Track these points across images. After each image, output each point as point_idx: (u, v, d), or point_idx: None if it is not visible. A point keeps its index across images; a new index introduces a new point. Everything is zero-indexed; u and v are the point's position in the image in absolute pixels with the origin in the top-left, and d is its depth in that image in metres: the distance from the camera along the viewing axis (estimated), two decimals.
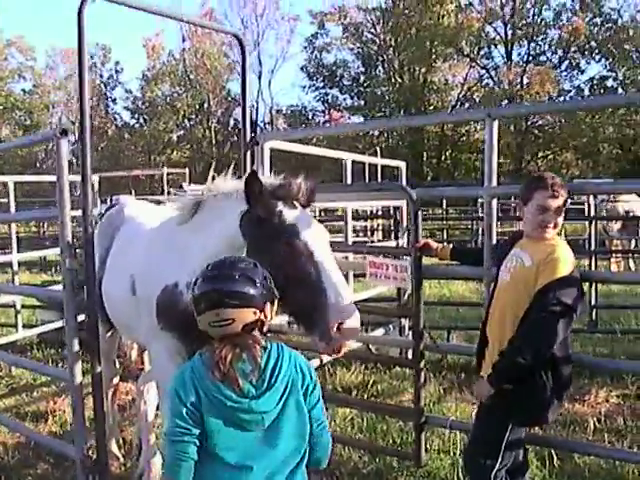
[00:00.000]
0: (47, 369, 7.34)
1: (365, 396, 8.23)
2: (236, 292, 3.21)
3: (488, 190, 5.30)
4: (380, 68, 59.90)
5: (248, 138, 6.37)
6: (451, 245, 5.65)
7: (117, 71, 65.48)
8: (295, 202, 4.23)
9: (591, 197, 14.10)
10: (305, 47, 62.17)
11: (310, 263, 3.98)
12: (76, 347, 4.67)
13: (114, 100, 67.02)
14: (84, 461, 4.77)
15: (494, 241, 5.24)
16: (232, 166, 4.85)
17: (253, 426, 3.22)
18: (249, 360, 3.21)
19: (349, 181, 8.99)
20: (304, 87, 63.07)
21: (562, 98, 52.11)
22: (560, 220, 4.43)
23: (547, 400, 4.43)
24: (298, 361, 3.31)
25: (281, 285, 3.60)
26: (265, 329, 3.37)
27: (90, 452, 4.81)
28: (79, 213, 4.74)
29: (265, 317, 3.31)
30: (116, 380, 6.78)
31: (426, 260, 5.68)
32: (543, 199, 4.37)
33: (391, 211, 11.89)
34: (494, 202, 5.36)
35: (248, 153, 6.33)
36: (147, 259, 4.70)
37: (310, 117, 62.99)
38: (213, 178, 4.65)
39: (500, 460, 4.52)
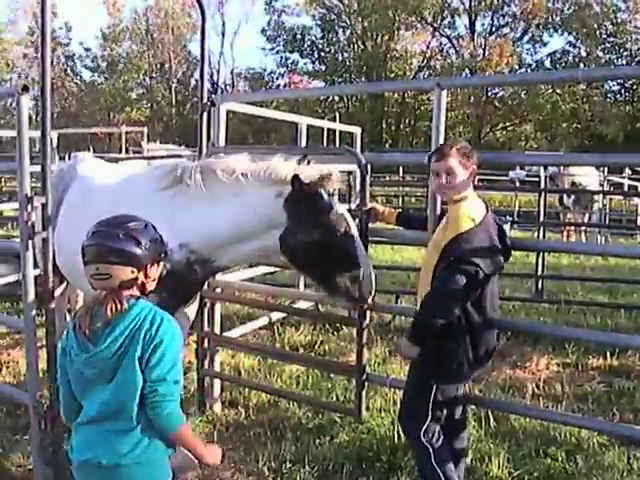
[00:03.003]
0: (4, 318, 7.41)
1: (312, 355, 8.37)
2: (115, 250, 3.38)
3: None
4: (342, 34, 59.50)
5: (205, 99, 6.47)
6: (397, 210, 5.81)
7: (61, 28, 63.45)
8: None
9: (542, 170, 14.35)
10: (265, 9, 61.53)
11: (350, 242, 4.86)
12: (31, 296, 4.76)
13: (71, 57, 65.51)
14: (37, 407, 4.86)
15: (438, 206, 5.32)
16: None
17: (92, 380, 3.43)
18: (100, 316, 3.40)
19: (304, 144, 9.12)
20: (264, 49, 62.34)
21: (523, 70, 52.26)
22: (457, 180, 4.56)
23: (462, 360, 4.56)
24: (156, 325, 3.39)
25: (322, 259, 4.76)
26: (149, 289, 3.59)
27: (43, 399, 4.90)
28: (38, 168, 4.82)
29: (146, 278, 3.50)
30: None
31: (376, 225, 5.84)
32: (434, 164, 4.62)
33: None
34: None
35: (205, 114, 6.46)
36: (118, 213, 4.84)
37: (270, 81, 62.45)
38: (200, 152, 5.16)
39: (429, 417, 4.65)
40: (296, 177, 4.68)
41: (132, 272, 3.41)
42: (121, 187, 5.51)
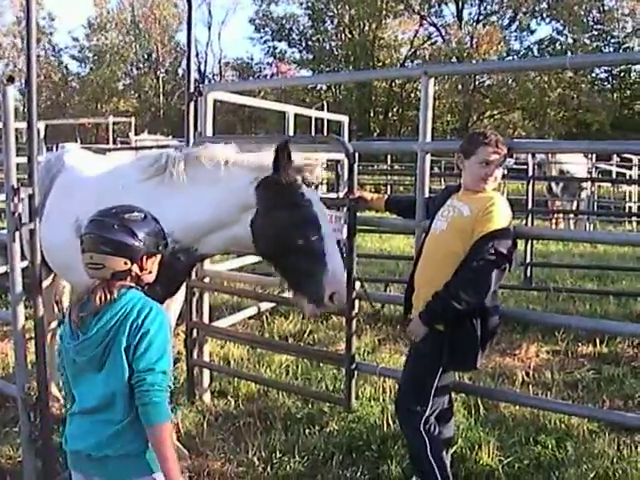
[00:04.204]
0: None
1: (301, 345, 8.39)
2: (109, 240, 3.38)
3: (422, 145, 5.45)
4: (329, 23, 59.29)
5: (192, 89, 6.44)
6: (386, 195, 5.79)
7: (44, 18, 63.13)
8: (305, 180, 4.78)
9: (530, 157, 14.37)
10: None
11: (317, 235, 4.56)
12: (19, 288, 4.74)
13: (58, 49, 65.27)
14: (25, 399, 4.84)
15: (426, 192, 5.37)
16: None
17: (83, 368, 3.42)
18: (90, 305, 3.40)
19: (291, 133, 9.09)
20: (252, 39, 62.05)
21: (511, 58, 52.24)
22: (499, 173, 4.63)
23: (476, 346, 4.56)
24: (143, 314, 3.36)
25: (284, 247, 4.52)
26: (145, 281, 3.57)
27: (31, 391, 4.89)
28: (25, 160, 4.79)
29: (141, 270, 3.49)
30: (54, 324, 6.81)
31: (364, 213, 5.83)
32: (487, 154, 4.56)
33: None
34: (427, 157, 5.50)
35: (192, 104, 6.43)
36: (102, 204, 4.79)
37: (258, 70, 62.18)
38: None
39: (430, 406, 4.64)
40: (286, 143, 4.58)
41: (125, 263, 3.41)
42: (106, 178, 5.46)
